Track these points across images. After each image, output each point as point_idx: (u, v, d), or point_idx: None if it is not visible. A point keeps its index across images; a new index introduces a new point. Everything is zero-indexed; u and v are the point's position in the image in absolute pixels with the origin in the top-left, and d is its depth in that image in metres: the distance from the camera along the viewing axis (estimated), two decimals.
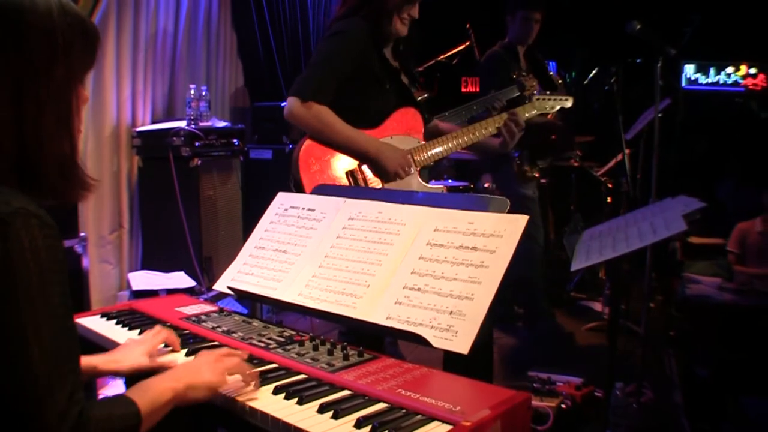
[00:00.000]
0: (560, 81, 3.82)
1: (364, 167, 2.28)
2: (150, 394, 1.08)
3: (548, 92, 2.67)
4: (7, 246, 0.92)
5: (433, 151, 2.39)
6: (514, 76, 3.45)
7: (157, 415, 1.08)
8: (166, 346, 1.41)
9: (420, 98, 2.59)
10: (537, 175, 3.88)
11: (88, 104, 3.36)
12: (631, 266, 4.02)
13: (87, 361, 1.31)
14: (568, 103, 2.72)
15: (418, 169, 2.36)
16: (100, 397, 2.34)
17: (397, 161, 2.26)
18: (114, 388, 2.67)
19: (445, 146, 2.40)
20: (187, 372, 1.16)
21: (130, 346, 1.37)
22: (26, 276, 0.93)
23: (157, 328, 1.43)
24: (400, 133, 2.35)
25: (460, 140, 2.42)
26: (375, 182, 2.29)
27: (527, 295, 3.99)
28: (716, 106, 6.56)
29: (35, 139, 1.02)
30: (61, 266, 0.98)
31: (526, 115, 2.59)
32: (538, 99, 2.68)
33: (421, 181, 2.37)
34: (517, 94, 3.10)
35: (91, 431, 0.95)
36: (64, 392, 0.94)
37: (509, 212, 1.44)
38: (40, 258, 0.94)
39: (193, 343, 1.45)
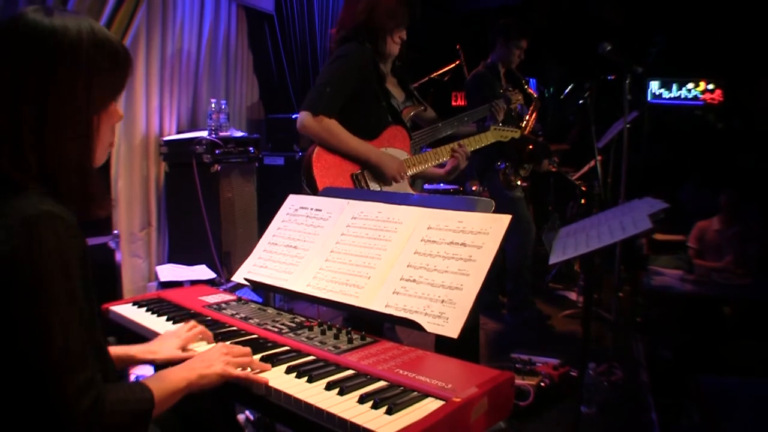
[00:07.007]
0: (536, 95, 3.85)
1: (366, 171, 2.34)
2: (165, 383, 1.08)
3: (501, 124, 2.80)
4: (33, 244, 0.91)
5: (418, 167, 2.45)
6: (502, 91, 3.48)
7: (171, 401, 1.08)
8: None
9: (416, 111, 2.61)
10: (520, 182, 3.90)
11: None
12: (602, 260, 4.02)
13: (126, 350, 1.30)
14: (517, 135, 2.91)
15: (408, 177, 2.42)
16: (132, 377, 2.33)
17: (394, 167, 2.34)
18: (143, 369, 2.66)
19: (424, 165, 2.48)
20: (201, 363, 1.16)
21: (166, 338, 1.34)
22: (51, 271, 0.91)
23: (192, 323, 1.39)
24: (393, 146, 2.41)
25: (433, 160, 2.50)
26: (374, 184, 2.35)
27: (516, 283, 3.97)
28: (678, 118, 6.57)
29: (53, 149, 0.99)
30: (83, 263, 0.97)
31: (487, 142, 2.72)
32: (495, 129, 2.82)
33: (410, 189, 2.43)
34: (506, 106, 3.14)
35: (106, 411, 0.94)
36: (85, 374, 0.93)
37: (497, 212, 1.45)
38: (64, 255, 0.93)
39: (217, 328, 1.45)
